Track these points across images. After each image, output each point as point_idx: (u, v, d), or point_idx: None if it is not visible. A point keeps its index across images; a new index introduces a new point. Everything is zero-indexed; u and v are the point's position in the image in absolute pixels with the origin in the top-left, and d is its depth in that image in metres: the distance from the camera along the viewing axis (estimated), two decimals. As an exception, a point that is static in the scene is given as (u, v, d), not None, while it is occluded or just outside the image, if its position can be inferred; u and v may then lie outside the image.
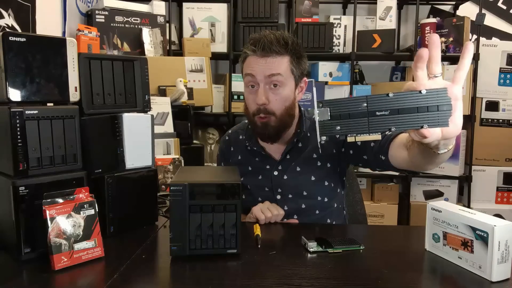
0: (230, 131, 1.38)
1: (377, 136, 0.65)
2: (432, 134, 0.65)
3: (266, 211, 1.10)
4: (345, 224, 1.29)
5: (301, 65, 1.16)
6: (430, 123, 0.62)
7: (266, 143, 1.23)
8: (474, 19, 2.51)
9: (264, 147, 1.25)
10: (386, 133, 0.78)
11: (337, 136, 0.68)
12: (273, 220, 1.11)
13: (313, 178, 1.21)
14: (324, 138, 0.66)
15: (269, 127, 1.14)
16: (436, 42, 0.65)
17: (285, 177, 1.22)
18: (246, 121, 1.33)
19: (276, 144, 1.22)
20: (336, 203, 1.27)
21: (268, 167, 1.24)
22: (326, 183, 1.22)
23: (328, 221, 1.25)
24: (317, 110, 0.65)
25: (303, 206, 1.22)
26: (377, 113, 0.64)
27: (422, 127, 0.63)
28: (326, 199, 1.23)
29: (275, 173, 1.23)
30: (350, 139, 0.66)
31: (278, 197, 1.22)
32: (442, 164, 2.56)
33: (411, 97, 0.63)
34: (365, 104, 0.64)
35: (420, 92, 0.62)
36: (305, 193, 1.22)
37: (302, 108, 1.27)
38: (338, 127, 0.65)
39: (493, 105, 2.58)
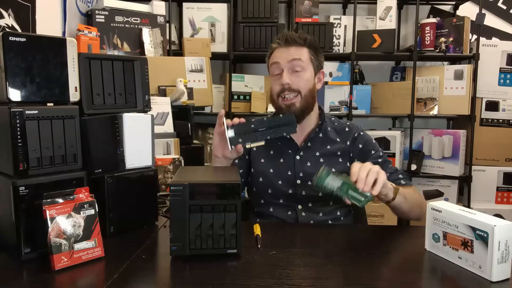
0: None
1: (262, 142, 1.11)
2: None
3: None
4: (345, 224, 1.29)
5: (318, 57, 1.30)
6: (286, 133, 1.14)
7: None
8: (474, 19, 2.50)
9: None
10: (264, 141, 1.14)
11: (242, 145, 1.11)
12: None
13: (333, 170, 1.24)
14: (233, 147, 1.11)
15: (294, 107, 1.24)
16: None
17: (308, 163, 1.29)
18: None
19: (299, 130, 1.27)
20: None
21: (290, 151, 1.31)
22: None
23: (338, 213, 1.29)
24: (227, 131, 1.09)
25: (320, 194, 1.26)
26: (259, 129, 1.11)
27: (283, 135, 1.14)
28: None
29: (297, 157, 1.29)
30: (247, 146, 1.11)
31: (298, 181, 1.28)
32: (442, 164, 2.59)
33: (275, 118, 1.13)
34: (253, 126, 1.10)
35: (280, 115, 1.15)
36: None
37: (322, 107, 1.39)
38: (240, 139, 1.10)
39: (493, 105, 2.58)
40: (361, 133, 1.35)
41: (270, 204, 1.30)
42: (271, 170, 1.30)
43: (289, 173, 1.29)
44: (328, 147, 1.32)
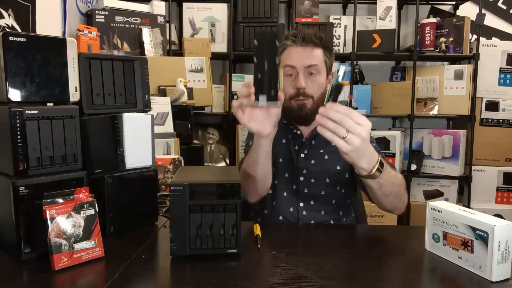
0: None
1: (280, 79, 0.99)
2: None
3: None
4: (345, 224, 1.29)
5: (331, 58, 1.29)
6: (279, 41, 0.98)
7: (297, 124, 1.30)
8: (474, 19, 2.51)
9: (297, 125, 1.32)
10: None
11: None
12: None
13: (338, 168, 1.28)
14: (278, 103, 0.92)
15: (305, 108, 1.23)
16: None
17: (312, 161, 1.28)
18: None
19: (306, 127, 1.30)
20: (350, 199, 1.33)
21: (296, 148, 1.31)
22: (347, 176, 1.29)
23: (340, 213, 1.30)
24: (258, 103, 0.91)
25: (323, 193, 1.27)
26: (268, 70, 0.90)
27: (277, 44, 0.91)
28: (343, 191, 1.29)
29: (302, 155, 1.29)
30: (279, 93, 0.92)
31: (301, 178, 1.28)
32: (442, 164, 2.58)
33: (257, 50, 0.90)
34: (259, 75, 0.90)
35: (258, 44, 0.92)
36: (327, 180, 1.27)
37: None
38: (272, 93, 0.91)
39: (493, 105, 2.58)
40: None
41: (274, 196, 1.28)
42: (281, 160, 1.29)
43: (294, 166, 1.29)
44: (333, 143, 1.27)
